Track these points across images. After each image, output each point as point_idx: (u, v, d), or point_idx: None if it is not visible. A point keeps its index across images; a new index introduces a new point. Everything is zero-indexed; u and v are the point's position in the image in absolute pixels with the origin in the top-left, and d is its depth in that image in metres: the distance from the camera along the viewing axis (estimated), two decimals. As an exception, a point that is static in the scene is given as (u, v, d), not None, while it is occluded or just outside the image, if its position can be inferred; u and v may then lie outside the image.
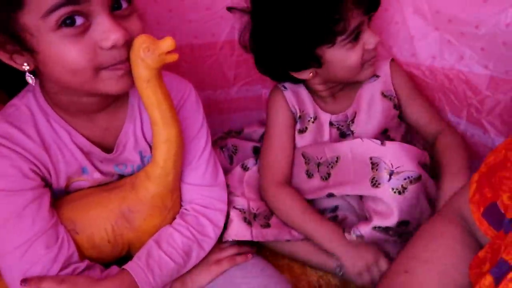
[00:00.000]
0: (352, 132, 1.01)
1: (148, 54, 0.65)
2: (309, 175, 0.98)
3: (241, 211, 0.94)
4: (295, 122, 1.01)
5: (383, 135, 1.02)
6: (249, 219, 0.93)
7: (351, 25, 0.85)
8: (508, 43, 0.86)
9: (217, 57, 1.13)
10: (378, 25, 1.02)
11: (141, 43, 0.65)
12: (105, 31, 0.62)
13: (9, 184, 0.71)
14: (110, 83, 0.67)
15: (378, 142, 0.89)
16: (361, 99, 1.01)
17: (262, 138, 1.13)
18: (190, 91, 0.86)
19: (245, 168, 1.06)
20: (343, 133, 1.02)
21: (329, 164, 0.95)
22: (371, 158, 0.88)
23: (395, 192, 0.83)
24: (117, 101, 0.78)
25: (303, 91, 1.01)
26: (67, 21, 0.60)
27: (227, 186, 0.96)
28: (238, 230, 0.90)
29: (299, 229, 0.94)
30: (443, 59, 0.99)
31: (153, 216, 0.81)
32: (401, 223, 0.84)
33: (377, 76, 1.01)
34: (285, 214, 0.96)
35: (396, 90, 1.01)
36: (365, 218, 0.91)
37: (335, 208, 1.00)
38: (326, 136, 1.01)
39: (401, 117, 1.04)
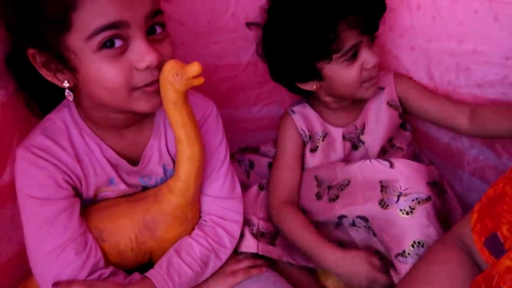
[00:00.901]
0: (363, 143, 1.04)
1: (177, 78, 0.70)
2: (319, 197, 1.00)
3: (250, 225, 0.97)
4: (304, 144, 1.05)
5: (389, 143, 1.05)
6: (256, 234, 0.96)
7: (346, 44, 0.90)
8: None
9: (240, 77, 1.17)
10: (394, 51, 1.05)
11: (170, 68, 0.70)
12: (141, 53, 0.68)
13: (45, 193, 0.76)
14: (141, 102, 0.72)
15: (387, 164, 0.91)
16: (369, 110, 1.05)
17: (275, 157, 1.18)
18: (211, 109, 0.91)
19: (261, 188, 1.09)
20: (355, 145, 1.05)
21: (340, 187, 0.96)
22: (380, 182, 0.90)
23: (403, 213, 0.84)
24: (144, 118, 0.84)
25: (310, 112, 1.06)
26: (108, 44, 0.66)
27: None
28: (248, 244, 0.94)
29: (299, 247, 0.96)
30: (459, 85, 0.99)
31: (174, 227, 0.85)
32: (416, 244, 0.83)
33: (382, 88, 1.04)
34: (288, 232, 0.97)
35: (402, 97, 1.04)
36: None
37: (339, 245, 0.97)
38: (340, 151, 1.04)
39: (403, 125, 1.08)
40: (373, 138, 1.04)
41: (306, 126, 1.05)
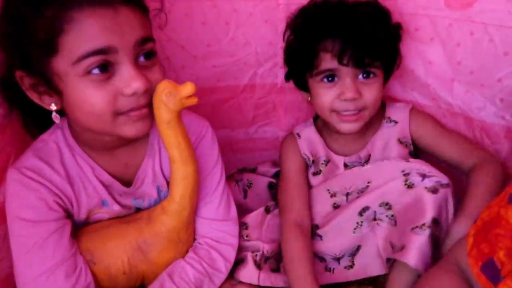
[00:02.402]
0: None
1: (170, 98, 0.70)
2: (336, 206, 0.99)
3: (254, 252, 0.95)
4: (307, 167, 1.06)
5: None
6: (259, 262, 0.94)
7: (321, 65, 0.92)
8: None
9: (238, 99, 1.18)
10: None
11: (163, 88, 0.70)
12: (128, 79, 0.68)
13: (35, 215, 0.75)
14: (126, 127, 0.72)
15: (403, 160, 0.94)
16: (375, 143, 1.03)
17: (275, 175, 1.17)
18: (206, 130, 0.91)
19: (267, 211, 1.06)
20: None
21: (359, 190, 0.96)
22: (402, 170, 0.91)
23: (428, 191, 0.85)
24: (137, 139, 0.83)
25: (315, 137, 1.06)
26: (94, 69, 0.66)
27: (245, 225, 0.99)
28: (247, 273, 0.92)
29: (287, 277, 0.93)
30: (462, 108, 1.01)
31: (168, 249, 0.84)
32: (435, 221, 0.85)
33: (395, 122, 1.03)
34: (284, 258, 0.95)
35: (415, 136, 1.02)
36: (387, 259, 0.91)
37: (356, 250, 0.97)
38: None
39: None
40: None
41: (310, 151, 1.05)
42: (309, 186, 1.05)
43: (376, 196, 0.92)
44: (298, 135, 1.07)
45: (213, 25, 1.05)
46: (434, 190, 0.86)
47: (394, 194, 0.90)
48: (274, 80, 1.16)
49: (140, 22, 0.70)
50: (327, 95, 0.94)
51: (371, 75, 0.93)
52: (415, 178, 0.88)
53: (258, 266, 0.93)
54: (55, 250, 0.75)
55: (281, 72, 1.14)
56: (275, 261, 0.98)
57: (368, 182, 0.95)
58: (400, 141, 1.02)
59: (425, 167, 0.90)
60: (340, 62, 0.90)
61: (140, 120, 0.72)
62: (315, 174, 1.05)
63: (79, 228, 0.83)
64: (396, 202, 0.90)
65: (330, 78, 0.93)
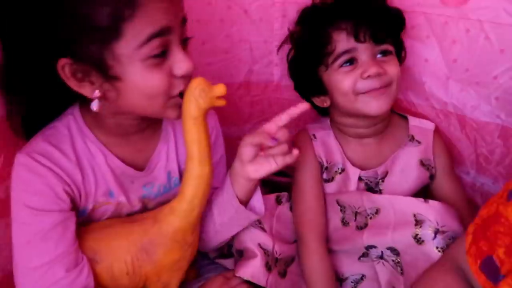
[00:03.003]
0: (380, 191, 0.99)
1: (202, 95, 0.71)
2: (345, 223, 0.96)
3: (266, 253, 0.91)
4: (322, 171, 1.00)
5: None
6: (270, 263, 0.91)
7: (338, 47, 0.90)
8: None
9: (233, 96, 1.17)
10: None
11: (197, 84, 0.71)
12: (180, 60, 0.70)
13: (42, 204, 0.73)
14: (172, 110, 0.74)
15: (421, 199, 0.91)
16: (396, 161, 0.99)
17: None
18: (215, 123, 0.93)
19: (279, 202, 1.02)
20: (371, 189, 1.00)
21: (368, 215, 0.94)
22: (414, 215, 0.89)
23: (439, 251, 0.84)
24: (152, 124, 0.84)
25: (332, 142, 1.01)
26: (155, 50, 0.67)
27: None
28: (256, 273, 0.88)
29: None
30: (456, 106, 1.01)
31: (173, 251, 0.82)
32: None
33: (419, 142, 1.00)
34: (307, 273, 0.93)
35: (435, 160, 1.01)
36: None
37: (360, 279, 0.94)
38: (353, 189, 0.99)
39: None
40: (393, 191, 0.98)
41: (325, 156, 0.99)
42: None
43: (385, 239, 0.90)
44: (314, 136, 1.01)
45: (207, 22, 1.05)
46: (445, 250, 0.84)
47: (402, 243, 0.89)
48: (270, 77, 1.16)
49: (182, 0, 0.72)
50: (348, 79, 0.90)
51: (388, 53, 0.92)
52: (426, 233, 0.86)
53: (269, 268, 0.90)
54: (58, 243, 0.73)
55: (276, 70, 1.14)
56: (283, 264, 0.95)
57: (377, 211, 0.94)
58: (422, 163, 1.00)
59: (440, 216, 0.87)
60: (356, 38, 0.89)
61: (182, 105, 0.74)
62: (327, 181, 0.99)
63: (83, 224, 0.81)
64: (405, 252, 0.89)
65: (349, 62, 0.91)
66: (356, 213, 0.96)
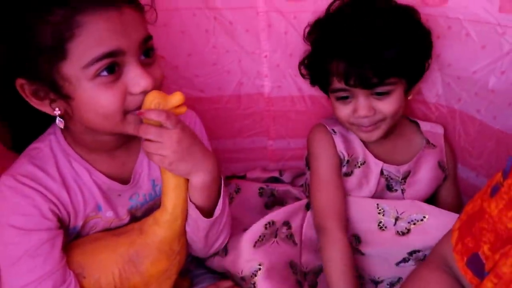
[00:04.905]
0: (402, 191, 1.00)
1: (159, 108, 0.71)
2: (382, 227, 0.96)
3: (294, 269, 0.92)
4: (342, 165, 0.99)
5: None
6: (300, 279, 0.91)
7: (334, 84, 0.92)
8: (497, 90, 0.89)
9: (223, 110, 1.17)
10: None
11: (152, 99, 0.71)
12: (136, 78, 0.70)
13: (28, 224, 0.73)
14: (133, 125, 0.73)
15: None
16: (421, 162, 1.01)
17: (267, 180, 1.15)
18: (195, 121, 0.93)
19: (308, 208, 1.02)
20: (390, 187, 1.00)
21: (412, 221, 0.94)
22: None
23: None
24: (132, 136, 0.83)
25: (352, 136, 1.00)
26: (103, 71, 0.67)
27: (288, 224, 0.97)
28: None
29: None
30: (445, 99, 1.02)
31: (160, 261, 0.82)
32: None
33: (434, 146, 1.02)
34: (326, 266, 0.91)
35: (447, 163, 1.04)
36: None
37: (397, 281, 0.95)
38: (373, 184, 0.99)
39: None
40: (414, 193, 1.00)
41: (346, 150, 0.99)
42: None
43: (431, 244, 0.87)
44: (334, 131, 1.00)
45: (192, 33, 1.05)
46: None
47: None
48: (260, 89, 1.15)
49: (141, 21, 0.72)
50: (343, 111, 0.94)
51: (384, 94, 0.90)
52: None
53: (300, 285, 0.91)
54: (46, 260, 0.73)
55: (267, 81, 1.14)
56: (313, 275, 0.95)
57: (424, 217, 0.93)
58: (440, 165, 1.02)
59: None
60: (346, 84, 0.89)
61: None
62: (346, 175, 0.99)
63: (73, 238, 0.81)
64: None
65: (343, 97, 0.93)
66: (397, 218, 0.95)
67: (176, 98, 0.72)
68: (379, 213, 0.96)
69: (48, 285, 0.73)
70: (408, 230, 0.93)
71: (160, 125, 0.73)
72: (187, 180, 0.79)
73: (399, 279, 0.94)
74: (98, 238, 0.82)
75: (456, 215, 0.87)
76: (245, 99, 1.17)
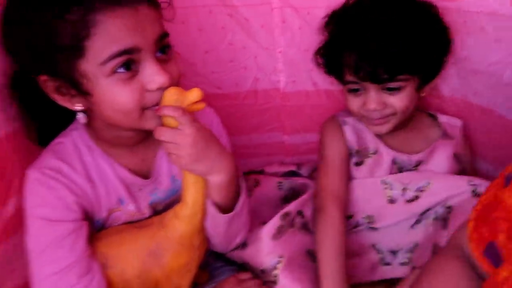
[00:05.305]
0: None
1: (177, 104, 0.72)
2: (391, 201, 0.98)
3: (312, 257, 0.94)
4: (351, 156, 1.02)
5: None
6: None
7: (345, 76, 0.94)
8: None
9: (241, 106, 1.18)
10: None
11: (170, 95, 0.72)
12: (152, 75, 0.71)
13: (53, 214, 0.76)
14: (152, 121, 0.74)
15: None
16: (435, 152, 1.01)
17: (285, 175, 1.16)
18: (212, 118, 0.94)
19: None
20: None
21: (419, 188, 0.96)
22: (470, 181, 0.92)
23: None
24: (151, 132, 0.85)
25: (364, 127, 1.02)
26: (121, 68, 0.69)
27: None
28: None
29: (317, 262, 0.90)
30: (461, 92, 1.03)
31: (180, 255, 0.83)
32: None
33: (451, 138, 1.03)
34: (317, 241, 0.92)
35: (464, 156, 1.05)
36: None
37: (414, 247, 0.97)
38: (385, 172, 1.01)
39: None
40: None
41: (356, 141, 1.01)
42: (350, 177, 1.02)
43: (440, 200, 0.93)
44: (344, 121, 1.03)
45: (209, 31, 1.07)
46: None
47: (458, 197, 0.92)
48: (276, 85, 1.17)
49: (157, 19, 0.73)
50: (354, 103, 0.96)
51: (395, 90, 0.90)
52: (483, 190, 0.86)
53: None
54: (71, 250, 0.75)
55: (282, 76, 1.15)
56: None
57: (429, 182, 0.95)
58: (456, 156, 1.02)
59: None
60: (356, 77, 0.90)
61: None
62: (358, 164, 1.01)
63: (95, 232, 0.83)
64: (459, 209, 0.91)
65: (354, 89, 0.94)
66: (404, 189, 0.98)
67: (194, 94, 0.73)
68: (385, 188, 0.99)
69: (74, 275, 0.75)
70: (417, 197, 0.96)
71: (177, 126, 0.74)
72: None
73: (416, 245, 0.96)
74: (121, 230, 0.84)
75: (460, 176, 0.94)
76: (261, 95, 1.18)
